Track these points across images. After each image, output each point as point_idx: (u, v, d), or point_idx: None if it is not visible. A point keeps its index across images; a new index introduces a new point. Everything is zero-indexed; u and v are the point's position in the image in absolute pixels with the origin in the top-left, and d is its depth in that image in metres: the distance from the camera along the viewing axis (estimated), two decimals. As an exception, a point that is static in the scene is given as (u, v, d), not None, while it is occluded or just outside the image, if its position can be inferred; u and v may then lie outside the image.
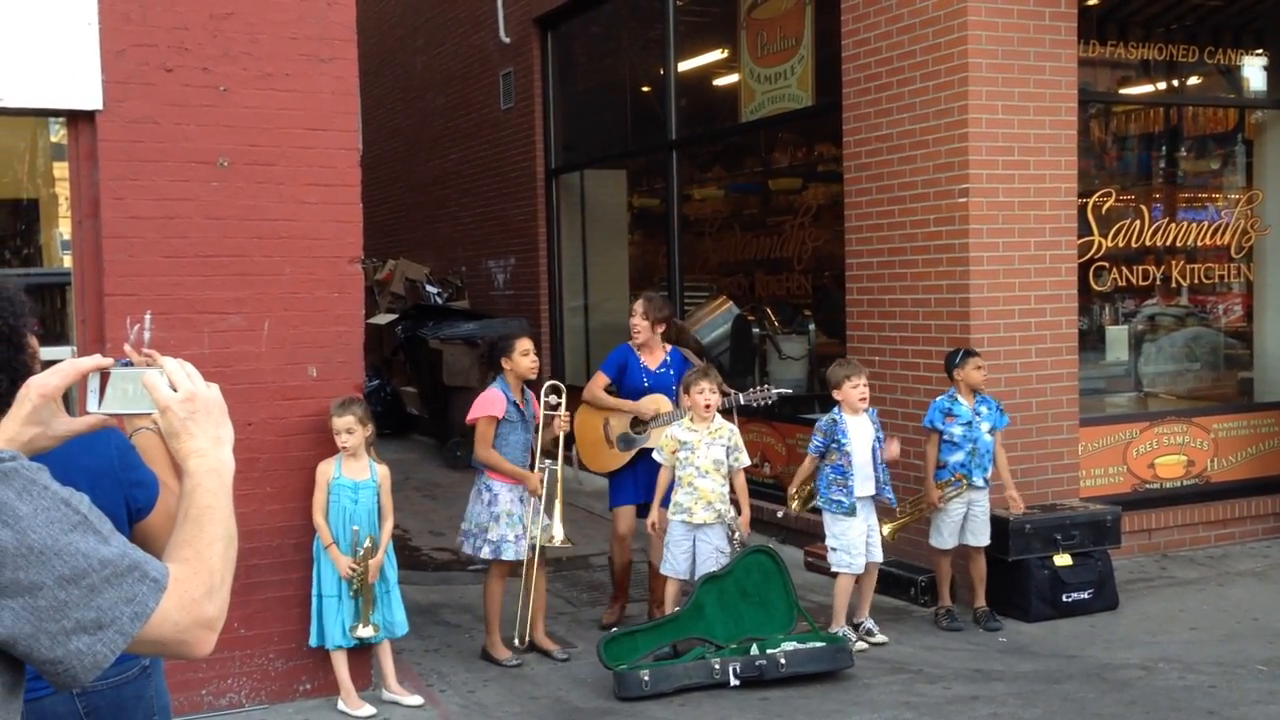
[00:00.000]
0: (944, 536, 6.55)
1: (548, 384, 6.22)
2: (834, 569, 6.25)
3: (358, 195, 5.58)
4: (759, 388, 6.56)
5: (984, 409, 6.56)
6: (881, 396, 7.25)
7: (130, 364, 1.91)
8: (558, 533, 5.95)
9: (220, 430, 1.79)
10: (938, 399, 6.63)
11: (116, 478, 2.38)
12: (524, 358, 6.00)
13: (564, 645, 6.25)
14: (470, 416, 6.05)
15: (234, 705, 5.36)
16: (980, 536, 6.54)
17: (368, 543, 5.32)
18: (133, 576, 1.52)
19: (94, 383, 1.84)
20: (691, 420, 6.01)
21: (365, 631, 5.34)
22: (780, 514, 6.60)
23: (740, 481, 6.11)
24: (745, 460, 6.11)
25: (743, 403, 6.46)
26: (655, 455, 6.14)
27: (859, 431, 6.25)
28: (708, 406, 5.94)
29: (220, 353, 5.25)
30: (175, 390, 1.78)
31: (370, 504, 5.41)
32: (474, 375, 10.98)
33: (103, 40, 5.08)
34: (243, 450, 5.12)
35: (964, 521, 6.52)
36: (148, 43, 5.15)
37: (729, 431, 6.04)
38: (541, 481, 5.99)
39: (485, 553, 5.94)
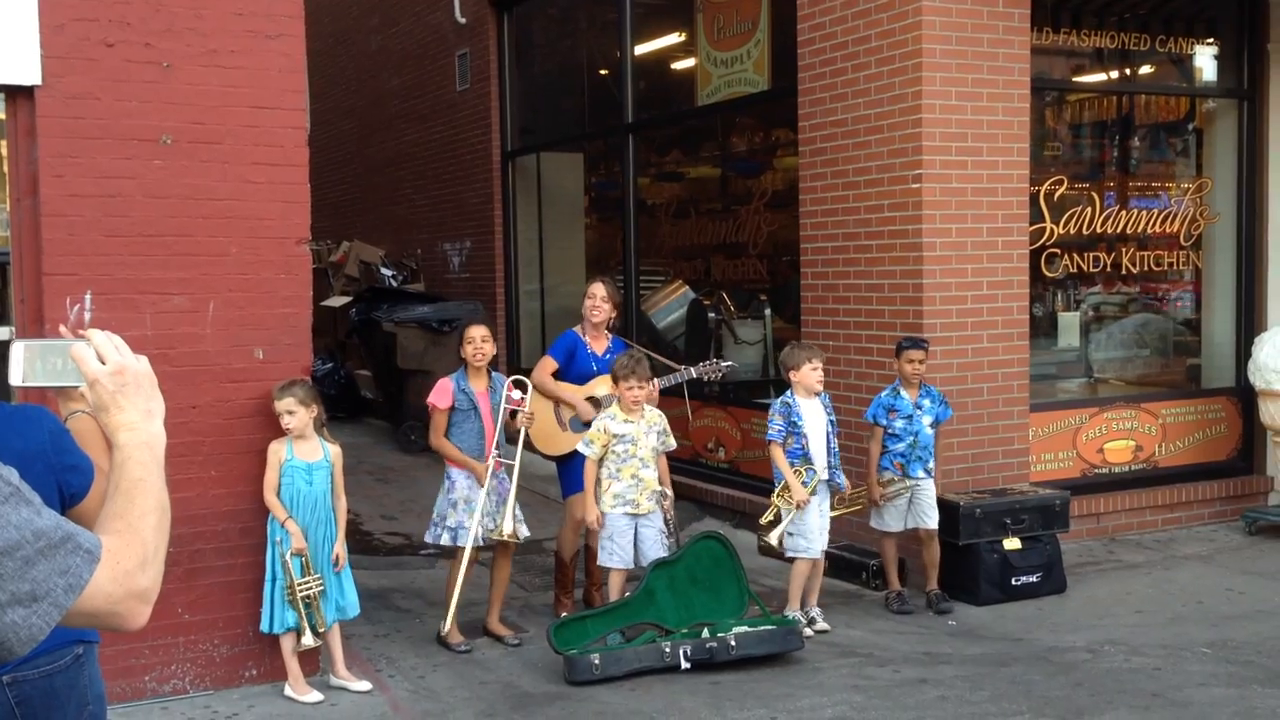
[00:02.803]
0: (886, 520, 6.56)
1: (512, 378, 6.11)
2: (788, 554, 6.21)
3: (305, 175, 5.49)
4: (708, 361, 6.68)
5: (926, 401, 6.57)
6: (835, 382, 7.27)
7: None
8: (506, 527, 5.89)
9: (151, 403, 1.77)
10: (881, 393, 6.63)
11: (49, 461, 2.32)
12: (468, 345, 5.98)
13: (516, 630, 6.22)
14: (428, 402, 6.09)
15: (178, 691, 5.29)
16: (928, 519, 6.54)
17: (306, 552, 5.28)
18: (66, 548, 1.49)
19: (18, 354, 1.80)
20: (623, 411, 5.96)
21: (309, 640, 5.28)
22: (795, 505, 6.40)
23: (664, 464, 6.10)
24: (672, 444, 6.15)
25: (694, 375, 6.50)
26: (582, 448, 5.98)
27: (812, 414, 6.25)
28: (635, 402, 5.91)
29: (164, 334, 5.16)
30: (104, 363, 1.75)
31: (325, 485, 5.36)
32: (429, 359, 10.90)
33: (41, 14, 4.96)
34: (187, 434, 5.13)
35: (909, 505, 6.55)
36: (88, 17, 5.03)
37: (658, 417, 6.06)
38: (491, 472, 5.93)
39: (444, 539, 5.98)
